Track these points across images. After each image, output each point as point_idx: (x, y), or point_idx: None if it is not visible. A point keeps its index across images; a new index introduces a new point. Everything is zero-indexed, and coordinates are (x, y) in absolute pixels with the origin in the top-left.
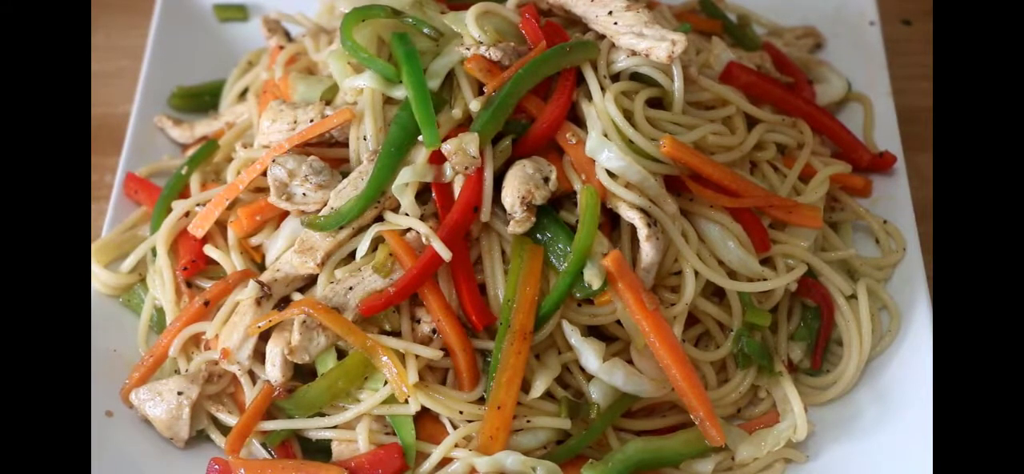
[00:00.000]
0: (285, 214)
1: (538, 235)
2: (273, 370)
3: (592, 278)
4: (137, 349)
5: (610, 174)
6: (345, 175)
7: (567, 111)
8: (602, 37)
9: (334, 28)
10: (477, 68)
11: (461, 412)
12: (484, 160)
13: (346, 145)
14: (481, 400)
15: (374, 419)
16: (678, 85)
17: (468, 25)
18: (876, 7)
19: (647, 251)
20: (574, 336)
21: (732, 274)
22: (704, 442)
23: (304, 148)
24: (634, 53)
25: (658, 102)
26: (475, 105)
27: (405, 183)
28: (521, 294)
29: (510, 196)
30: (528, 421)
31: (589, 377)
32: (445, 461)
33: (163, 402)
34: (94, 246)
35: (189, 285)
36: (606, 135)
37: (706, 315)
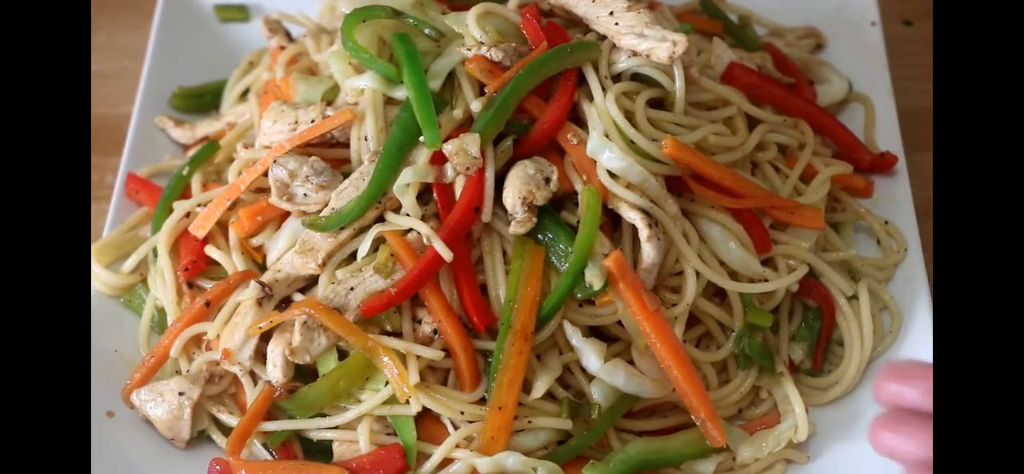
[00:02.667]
0: (286, 215)
1: (539, 236)
2: (274, 371)
3: (593, 279)
4: (138, 349)
5: (611, 175)
6: (346, 176)
7: (568, 112)
8: (603, 38)
9: (335, 28)
10: (478, 69)
11: (462, 412)
12: (485, 160)
13: (347, 145)
14: (482, 400)
15: (375, 419)
16: (679, 86)
17: (469, 26)
18: (877, 7)
19: (648, 252)
20: (575, 337)
21: (733, 275)
22: (705, 443)
23: (305, 148)
24: (635, 54)
25: (659, 103)
26: (476, 106)
27: (406, 183)
28: (522, 294)
29: (511, 196)
30: (529, 422)
31: (590, 378)
32: (446, 461)
33: (164, 402)
34: (95, 246)
35: (190, 286)
36: (607, 136)
37: (707, 316)
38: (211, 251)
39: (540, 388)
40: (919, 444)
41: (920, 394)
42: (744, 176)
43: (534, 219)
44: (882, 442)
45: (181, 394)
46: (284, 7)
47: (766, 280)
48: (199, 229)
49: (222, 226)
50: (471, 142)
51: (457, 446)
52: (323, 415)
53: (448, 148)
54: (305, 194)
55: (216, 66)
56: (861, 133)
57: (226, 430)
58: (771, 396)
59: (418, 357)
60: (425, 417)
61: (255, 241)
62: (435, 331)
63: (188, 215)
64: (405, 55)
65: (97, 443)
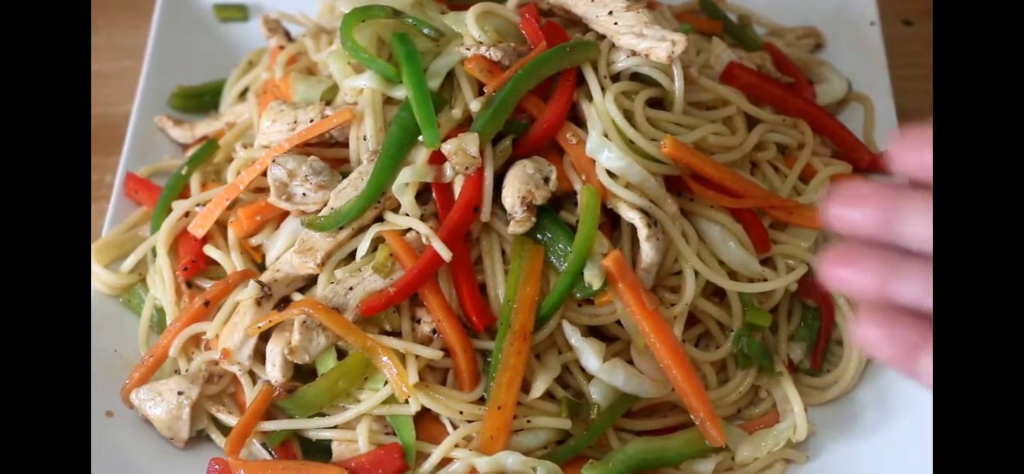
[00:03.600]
0: (285, 214)
1: (538, 235)
2: (273, 370)
3: (592, 278)
4: (137, 349)
5: (610, 174)
6: (345, 175)
7: (567, 111)
8: (602, 37)
9: (334, 28)
10: (477, 68)
11: (461, 412)
12: (484, 160)
13: (346, 145)
14: (481, 400)
15: (374, 419)
16: (678, 85)
17: (468, 25)
18: (877, 7)
19: (647, 251)
20: (574, 336)
21: (732, 274)
22: (704, 442)
23: (304, 148)
24: (634, 53)
25: (658, 102)
26: (475, 105)
27: (405, 183)
28: (521, 294)
29: (510, 196)
30: (528, 421)
31: (589, 377)
32: (445, 461)
33: (163, 402)
34: (94, 246)
35: (189, 285)
36: (606, 135)
37: (706, 315)
38: (210, 251)
39: (539, 388)
40: (874, 275)
41: (872, 219)
42: (743, 176)
43: (533, 219)
44: (833, 276)
45: (180, 394)
46: (283, 7)
47: (765, 280)
48: (198, 229)
49: (221, 226)
50: (470, 142)
51: (456, 446)
52: (322, 415)
53: (447, 148)
54: (304, 194)
55: (215, 66)
56: (860, 133)
57: (225, 430)
58: (770, 396)
59: (417, 357)
60: (424, 417)
61: (254, 241)
62: (434, 331)
63: (187, 215)
64: (404, 55)
65: (96, 443)
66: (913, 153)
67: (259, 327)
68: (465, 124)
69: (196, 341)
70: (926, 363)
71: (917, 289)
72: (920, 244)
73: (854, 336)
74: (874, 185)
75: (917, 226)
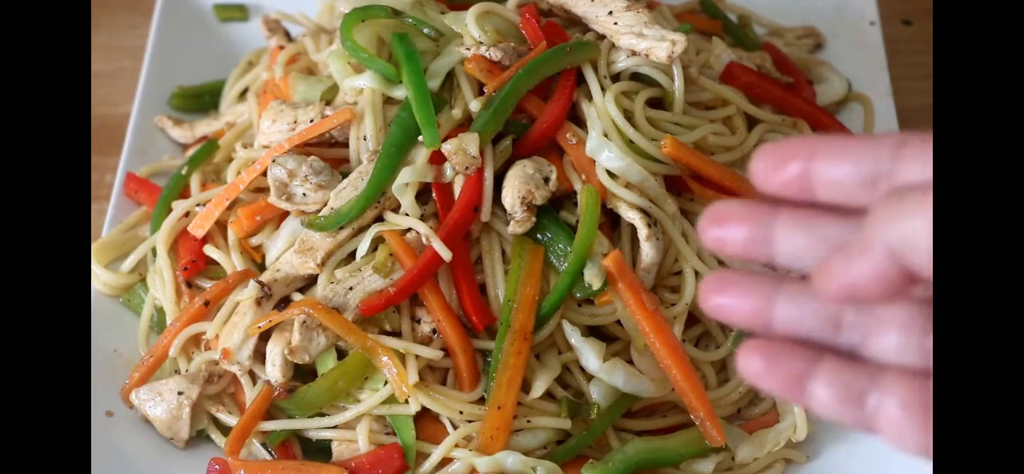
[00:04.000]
0: (285, 214)
1: (538, 235)
2: (273, 370)
3: (592, 278)
4: (137, 349)
5: (610, 174)
6: (345, 175)
7: (567, 111)
8: (602, 37)
9: (334, 28)
10: (477, 68)
11: (461, 412)
12: (484, 160)
13: (346, 145)
14: (481, 400)
15: (374, 419)
16: (678, 85)
17: (468, 25)
18: (876, 7)
19: (647, 251)
20: (574, 336)
21: None
22: (704, 442)
23: (304, 148)
24: (634, 53)
25: (658, 102)
26: (475, 105)
27: (405, 183)
28: (521, 294)
29: (510, 196)
30: (528, 421)
31: (589, 377)
32: (445, 461)
33: (163, 402)
34: (94, 246)
35: (189, 285)
36: (606, 135)
37: (706, 315)
38: (210, 251)
39: (539, 388)
40: (752, 300)
41: (746, 238)
42: (743, 176)
43: (533, 219)
44: (712, 305)
45: (180, 394)
46: (283, 7)
47: None
48: (198, 229)
49: (221, 226)
50: (470, 142)
51: (456, 446)
52: (322, 415)
53: (447, 148)
54: (304, 194)
55: (215, 66)
56: (860, 133)
57: (225, 430)
58: (770, 395)
59: (417, 357)
60: (424, 417)
61: (254, 241)
62: (434, 331)
63: (187, 215)
64: (404, 55)
65: (96, 443)
66: (775, 172)
67: (259, 327)
68: (465, 124)
69: (196, 341)
70: (815, 391)
71: (795, 313)
72: (794, 262)
73: (738, 367)
74: (745, 203)
75: (790, 242)
